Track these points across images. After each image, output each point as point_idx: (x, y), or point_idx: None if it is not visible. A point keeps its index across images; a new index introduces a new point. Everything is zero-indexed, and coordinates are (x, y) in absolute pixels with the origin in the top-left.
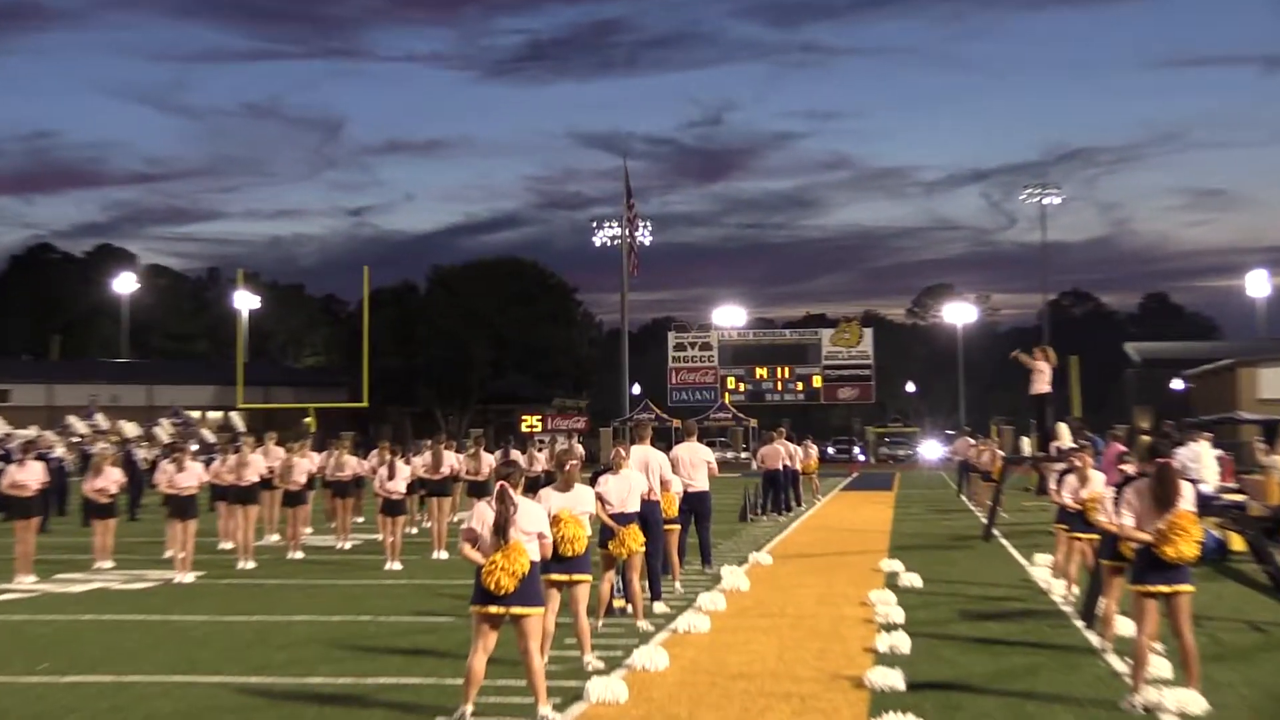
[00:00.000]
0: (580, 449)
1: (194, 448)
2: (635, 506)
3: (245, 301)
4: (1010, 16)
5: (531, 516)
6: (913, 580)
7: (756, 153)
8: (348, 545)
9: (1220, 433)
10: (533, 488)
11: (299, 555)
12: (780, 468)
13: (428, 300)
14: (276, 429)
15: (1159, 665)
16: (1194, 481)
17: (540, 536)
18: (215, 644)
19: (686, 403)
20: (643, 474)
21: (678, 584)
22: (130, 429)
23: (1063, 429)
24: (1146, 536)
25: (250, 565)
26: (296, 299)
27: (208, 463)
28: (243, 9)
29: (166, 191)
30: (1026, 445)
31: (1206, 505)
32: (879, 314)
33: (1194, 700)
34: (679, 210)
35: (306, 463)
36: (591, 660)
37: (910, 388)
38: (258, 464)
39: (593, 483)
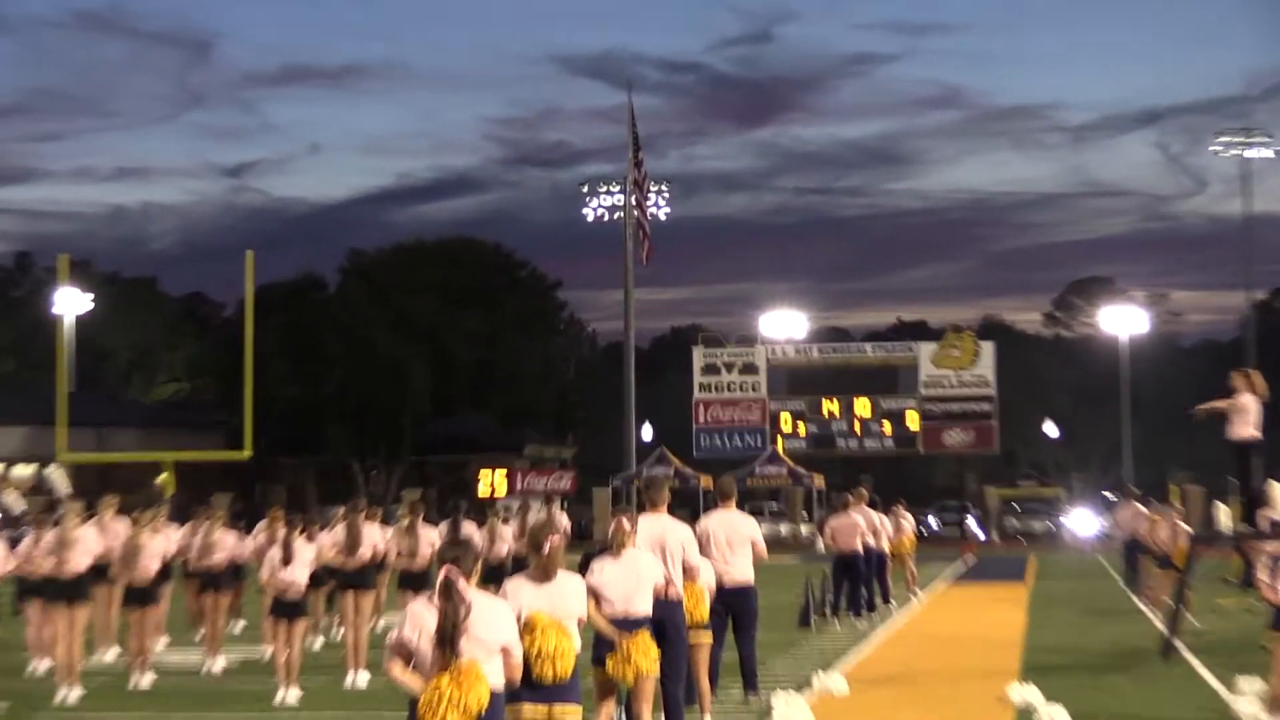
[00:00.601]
0: (564, 520)
1: None
2: (646, 607)
3: (70, 302)
4: None
5: (492, 621)
6: (1057, 716)
7: (822, 84)
8: (221, 664)
9: None
10: (495, 578)
11: (148, 680)
12: (859, 549)
13: (341, 301)
14: (116, 491)
15: None
16: None
17: (505, 651)
18: None
19: (721, 452)
20: (656, 557)
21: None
22: None
23: (1277, 491)
24: None
25: (75, 695)
26: (147, 299)
27: (12, 543)
28: None
29: None
30: (1224, 516)
31: None
32: (1004, 321)
33: None
34: (709, 169)
35: (160, 542)
36: None
37: (1051, 430)
38: (88, 543)
39: (583, 571)
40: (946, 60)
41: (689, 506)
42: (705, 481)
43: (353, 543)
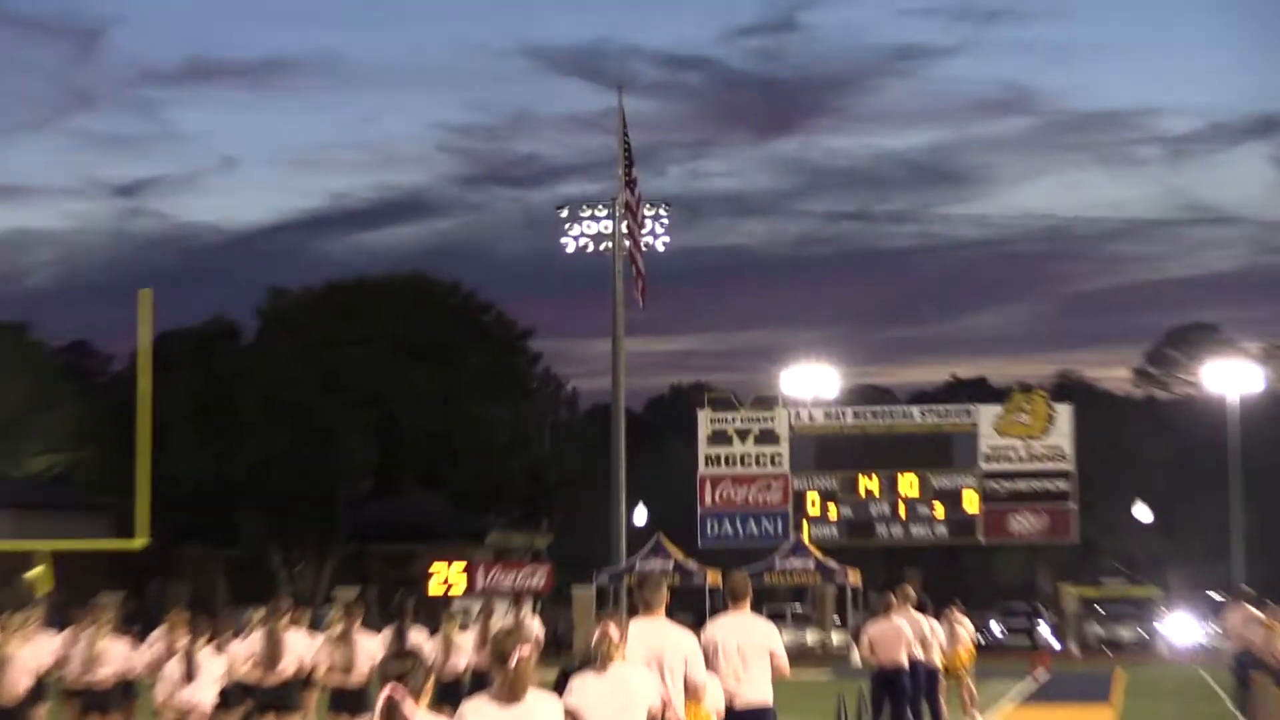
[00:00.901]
0: (536, 626)
1: None
2: None
3: None
4: None
5: None
6: None
7: (860, 84)
8: None
9: None
10: (450, 698)
11: None
12: (904, 662)
13: (260, 354)
14: None
15: None
16: None
17: None
18: None
19: (732, 540)
20: (652, 673)
21: None
22: None
23: None
24: None
25: None
26: (17, 349)
27: None
28: None
29: None
30: None
31: None
32: (1085, 378)
33: None
34: (719, 189)
35: (33, 652)
36: None
37: (1143, 514)
38: None
39: (560, 690)
40: (1015, 55)
41: (692, 610)
42: (713, 578)
43: (273, 654)
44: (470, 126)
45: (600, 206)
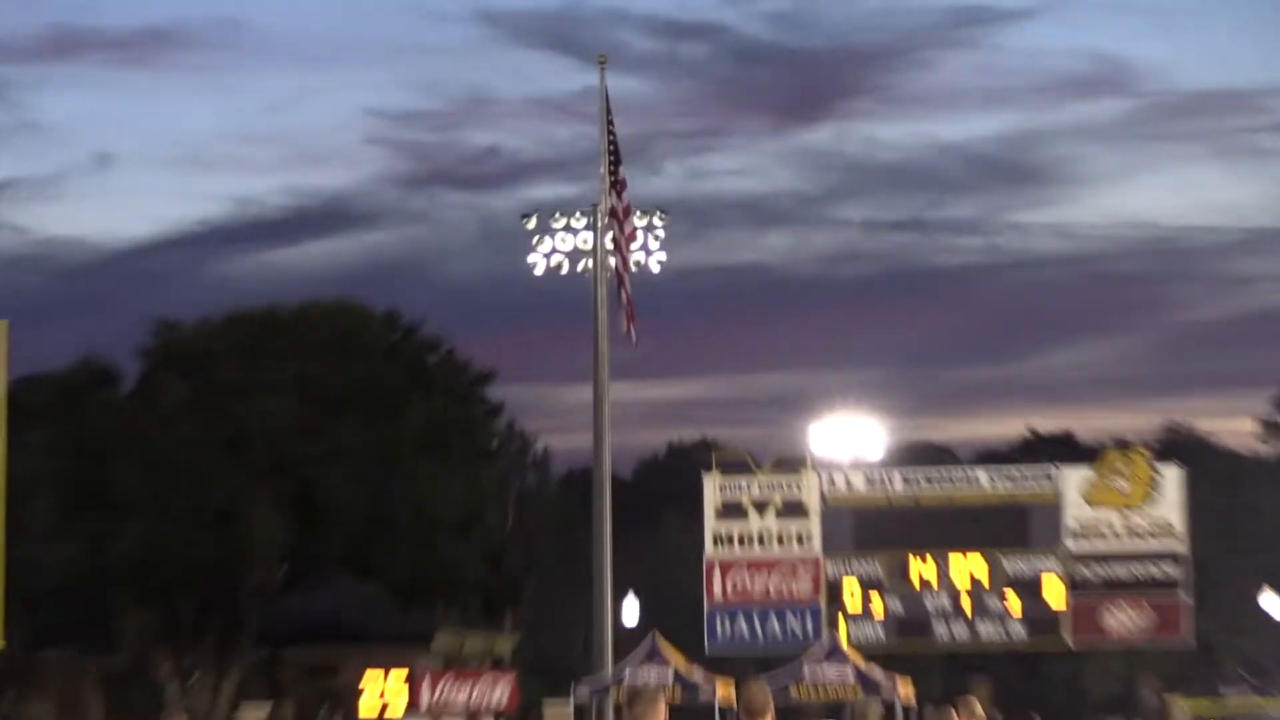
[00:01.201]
0: None
1: None
2: None
3: None
4: None
5: None
6: None
7: (909, 58)
8: None
9: None
10: None
11: None
12: None
13: (143, 404)
14: None
15: None
16: None
17: None
18: None
19: (748, 643)
20: None
21: None
22: None
23: None
24: None
25: None
26: None
27: None
28: None
29: None
30: None
31: None
32: (1197, 432)
33: None
34: (730, 191)
35: None
36: None
37: (1273, 605)
38: None
39: None
40: (1108, 20)
41: None
42: (723, 690)
43: None
44: (411, 113)
45: (578, 215)
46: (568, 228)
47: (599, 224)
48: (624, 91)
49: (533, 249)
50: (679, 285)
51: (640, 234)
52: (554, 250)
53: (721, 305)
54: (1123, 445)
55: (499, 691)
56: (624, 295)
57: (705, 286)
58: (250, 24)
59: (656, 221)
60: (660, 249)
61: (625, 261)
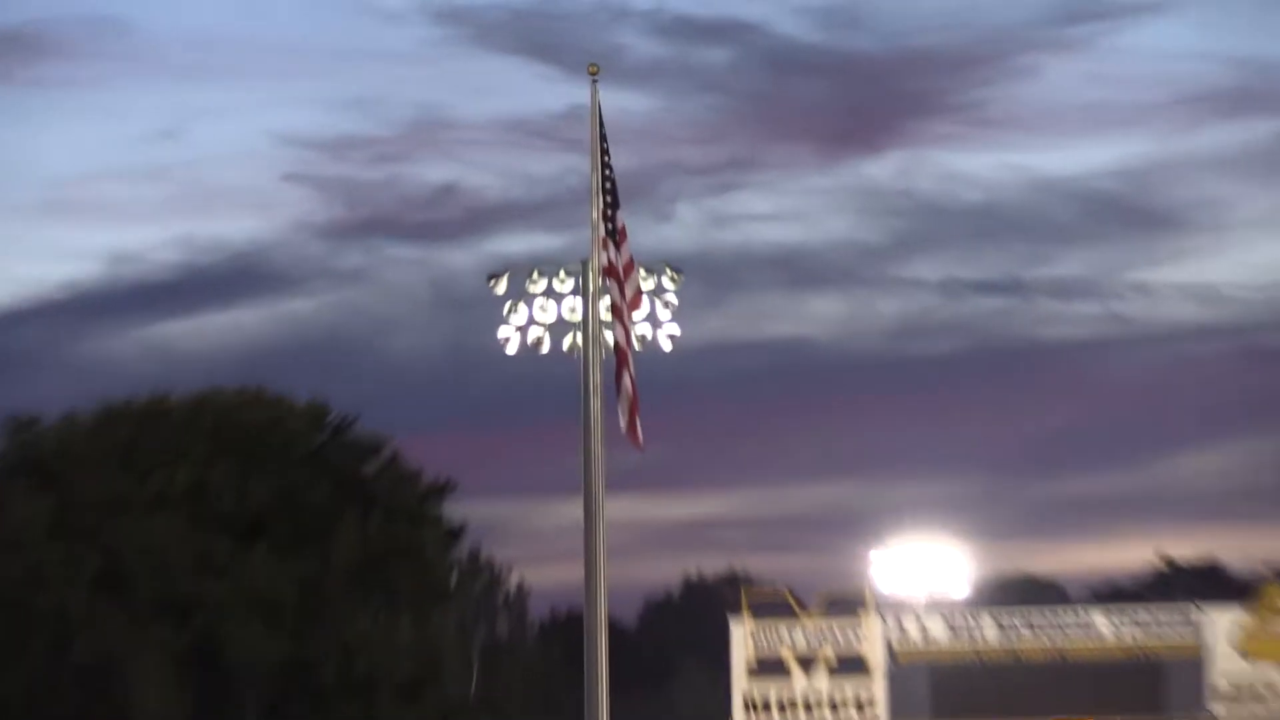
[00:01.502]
0: None
1: None
2: None
3: None
4: None
5: None
6: None
7: (998, 64)
8: None
9: None
10: None
11: None
12: None
13: None
14: None
15: None
16: None
17: None
18: None
19: None
20: None
21: None
22: None
23: None
24: None
25: None
26: None
27: None
28: None
29: None
30: None
31: None
32: None
33: None
34: (762, 241)
35: None
36: None
37: None
38: None
39: None
40: (1254, 17)
41: None
42: None
43: None
44: (343, 140)
45: (562, 274)
46: (549, 292)
47: (591, 287)
48: (623, 111)
49: (503, 320)
50: (698, 367)
51: (646, 300)
52: (531, 322)
53: (753, 393)
54: None
55: None
56: (625, 382)
57: (732, 368)
58: (134, 25)
59: (667, 283)
60: (672, 319)
61: (626, 336)
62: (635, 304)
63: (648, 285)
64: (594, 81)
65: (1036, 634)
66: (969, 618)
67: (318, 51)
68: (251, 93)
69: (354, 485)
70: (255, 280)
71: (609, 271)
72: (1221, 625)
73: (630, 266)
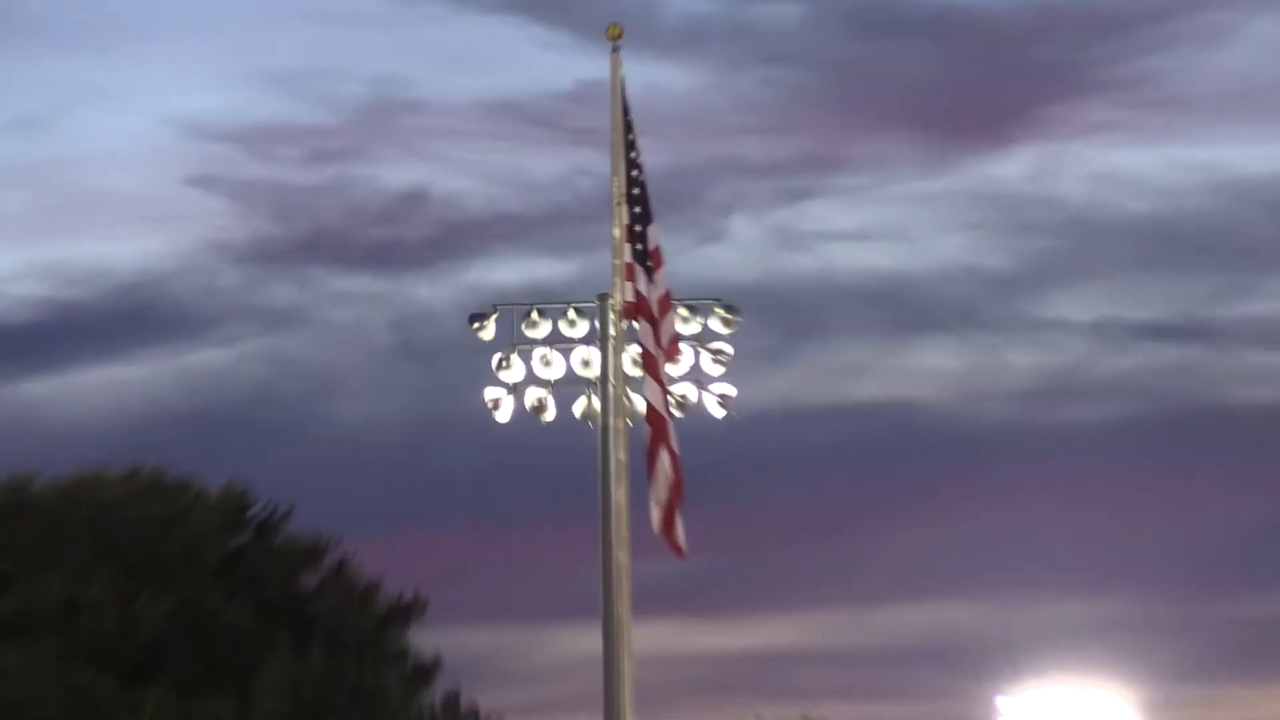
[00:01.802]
0: None
1: None
2: None
3: None
4: None
5: None
6: None
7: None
8: None
9: None
10: None
11: None
12: None
13: None
14: None
15: None
16: None
17: None
18: None
19: None
20: None
21: None
22: None
23: None
24: None
25: None
26: None
27: None
28: None
29: None
30: None
31: None
32: None
33: None
34: (845, 268)
35: None
36: None
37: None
38: None
39: None
40: None
41: None
42: None
43: None
44: (270, 131)
45: (572, 313)
46: (555, 337)
47: (612, 331)
48: (656, 90)
49: (492, 378)
50: (759, 442)
51: (689, 349)
52: (530, 379)
53: (835, 477)
54: None
55: None
56: (661, 462)
57: (806, 444)
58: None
59: (718, 325)
60: (725, 376)
61: (662, 399)
62: (673, 354)
63: (690, 329)
64: (615, 50)
65: None
66: None
67: (237, 13)
68: (148, 68)
69: (285, 604)
70: (150, 323)
71: (635, 309)
72: None
73: (666, 303)
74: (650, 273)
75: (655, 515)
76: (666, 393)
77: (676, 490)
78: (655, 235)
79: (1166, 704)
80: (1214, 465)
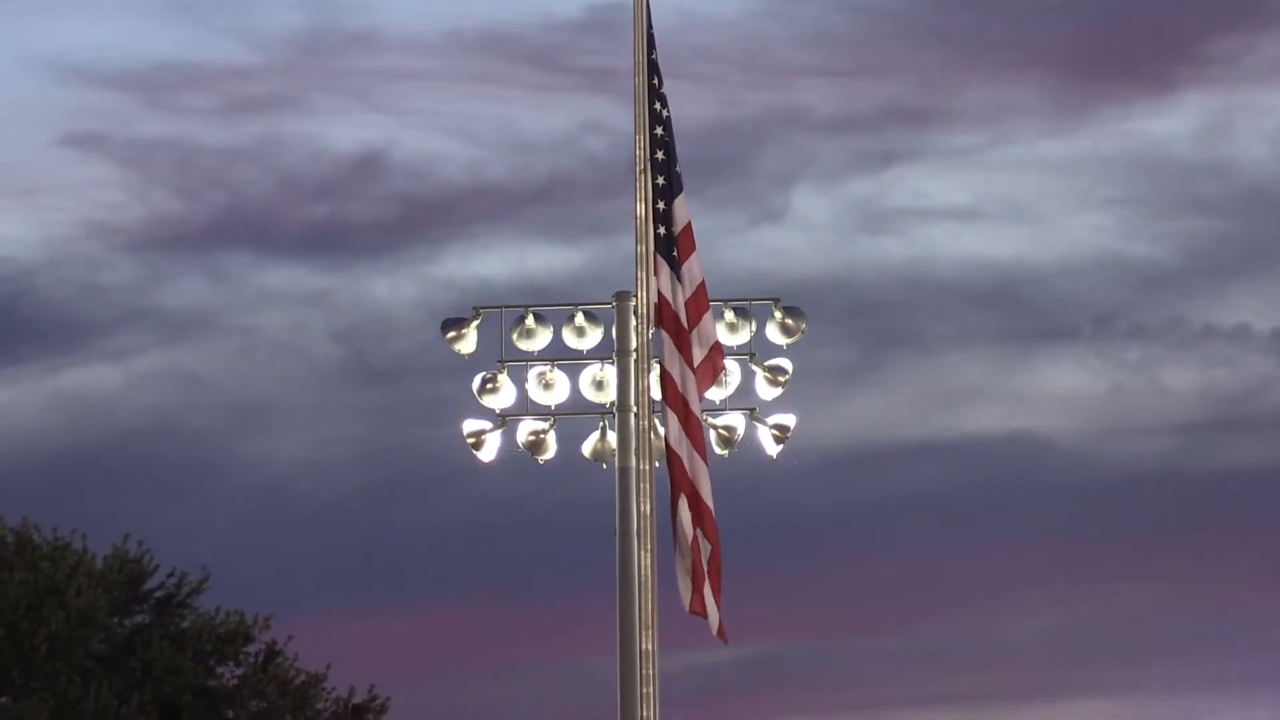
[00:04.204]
0: None
1: None
2: None
3: None
4: None
5: None
6: None
7: None
8: None
9: None
10: None
11: None
12: None
13: None
14: None
15: None
16: None
17: None
18: None
19: None
20: None
21: None
22: None
23: None
24: None
25: None
26: None
27: None
28: None
29: None
30: None
31: None
32: None
33: None
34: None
35: None
36: None
37: None
38: None
39: None
40: None
41: None
42: None
43: None
44: (176, 75)
45: (580, 318)
46: (557, 350)
47: (635, 340)
48: (693, 22)
49: (473, 405)
50: (826, 489)
51: (734, 365)
52: (523, 405)
53: (929, 535)
54: None
55: None
56: (679, 520)
57: (888, 491)
58: None
59: (774, 332)
60: (781, 400)
61: (683, 438)
62: (710, 375)
63: (738, 338)
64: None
65: None
66: None
67: None
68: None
69: (196, 707)
70: (12, 331)
71: (662, 312)
72: None
73: (701, 304)
74: (676, 265)
75: (683, 590)
76: (700, 425)
77: (714, 557)
78: (685, 211)
79: None
80: None
